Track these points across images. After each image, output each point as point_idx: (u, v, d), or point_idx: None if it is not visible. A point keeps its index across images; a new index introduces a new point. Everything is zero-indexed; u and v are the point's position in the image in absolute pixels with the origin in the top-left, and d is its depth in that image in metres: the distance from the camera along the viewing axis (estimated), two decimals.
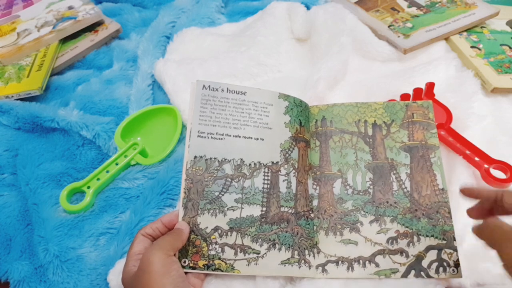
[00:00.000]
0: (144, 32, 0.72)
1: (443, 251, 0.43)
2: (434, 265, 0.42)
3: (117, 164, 0.54)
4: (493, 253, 0.42)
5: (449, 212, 0.45)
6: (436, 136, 0.48)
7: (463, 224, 0.45)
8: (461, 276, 0.41)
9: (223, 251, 0.43)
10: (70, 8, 0.77)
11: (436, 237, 0.44)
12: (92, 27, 0.75)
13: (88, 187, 0.52)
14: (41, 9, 0.78)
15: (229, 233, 0.43)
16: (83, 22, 0.73)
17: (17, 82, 0.65)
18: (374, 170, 0.48)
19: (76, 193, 0.53)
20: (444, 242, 0.43)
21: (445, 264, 0.42)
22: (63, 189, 0.51)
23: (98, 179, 0.52)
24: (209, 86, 0.49)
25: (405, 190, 0.47)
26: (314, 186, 0.48)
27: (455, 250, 0.43)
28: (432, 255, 0.43)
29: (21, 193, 0.53)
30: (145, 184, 0.53)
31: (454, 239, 0.43)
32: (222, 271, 0.42)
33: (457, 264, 0.42)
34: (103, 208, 0.51)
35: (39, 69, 0.66)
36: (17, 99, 0.63)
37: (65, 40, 0.73)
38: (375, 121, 0.51)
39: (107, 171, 0.53)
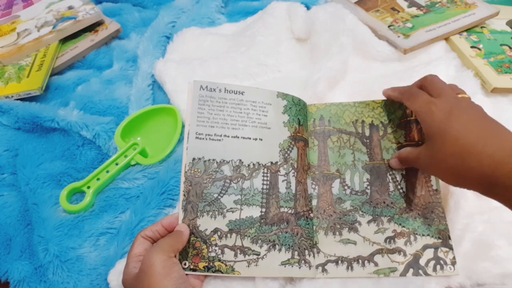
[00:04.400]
0: (144, 32, 0.72)
1: (439, 250, 0.44)
2: (432, 263, 0.43)
3: (117, 164, 0.54)
4: (493, 253, 0.43)
5: (443, 212, 0.45)
6: None
7: (463, 224, 0.45)
8: (458, 274, 0.42)
9: (223, 252, 0.43)
10: (70, 8, 0.77)
11: (432, 236, 0.44)
12: (92, 27, 0.75)
13: (88, 187, 0.52)
14: (41, 9, 0.78)
15: (228, 235, 0.43)
16: (83, 22, 0.73)
17: (17, 82, 0.65)
18: (371, 171, 0.49)
19: (76, 193, 0.53)
20: (439, 241, 0.44)
21: (442, 262, 0.43)
22: (63, 189, 0.51)
23: (98, 179, 0.53)
24: (206, 87, 0.49)
25: (401, 191, 0.47)
26: (313, 186, 0.48)
27: (451, 248, 0.44)
28: (429, 253, 0.44)
29: (21, 193, 0.53)
30: (145, 184, 0.53)
31: (449, 238, 0.44)
32: (222, 272, 0.42)
33: (453, 262, 0.43)
34: (103, 208, 0.51)
35: (39, 69, 0.66)
36: (17, 99, 0.63)
37: (65, 40, 0.73)
38: (372, 121, 0.51)
39: (107, 171, 0.53)
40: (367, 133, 0.51)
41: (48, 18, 0.75)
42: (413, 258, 0.44)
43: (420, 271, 0.43)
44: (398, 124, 0.50)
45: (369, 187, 0.48)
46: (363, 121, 0.51)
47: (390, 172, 0.48)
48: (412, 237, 0.45)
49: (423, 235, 0.45)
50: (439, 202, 0.46)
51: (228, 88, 0.49)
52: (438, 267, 0.43)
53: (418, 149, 0.43)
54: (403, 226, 0.45)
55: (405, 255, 0.44)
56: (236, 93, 0.49)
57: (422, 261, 0.43)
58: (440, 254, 0.43)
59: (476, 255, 0.43)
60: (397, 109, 0.51)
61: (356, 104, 0.52)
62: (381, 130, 0.50)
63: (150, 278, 0.36)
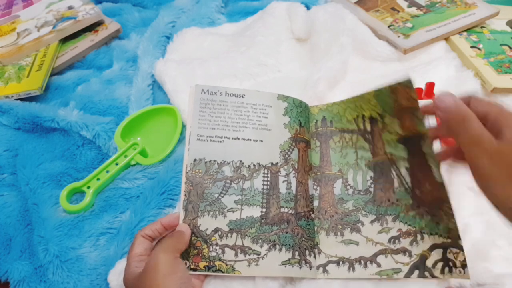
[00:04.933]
0: (144, 32, 0.72)
1: (448, 250, 0.41)
2: (439, 264, 0.41)
3: (117, 164, 0.54)
4: (493, 253, 0.43)
5: (451, 209, 0.41)
6: (422, 119, 0.43)
7: (463, 224, 0.44)
8: (468, 278, 0.40)
9: (223, 252, 0.43)
10: (70, 8, 0.77)
11: (441, 235, 0.42)
12: (92, 27, 0.75)
13: (88, 187, 0.52)
14: (41, 9, 0.78)
15: (229, 235, 0.43)
16: (83, 22, 0.73)
17: (17, 82, 0.65)
18: (374, 168, 0.48)
19: (76, 193, 0.53)
20: (449, 240, 0.41)
21: (451, 264, 0.40)
22: (63, 189, 0.51)
23: (98, 179, 0.52)
24: (207, 90, 0.49)
25: (406, 186, 0.45)
26: (315, 187, 0.48)
27: (461, 249, 0.40)
28: (437, 254, 0.41)
29: (21, 193, 0.53)
30: (145, 184, 0.53)
31: (459, 238, 0.41)
32: (222, 272, 0.42)
33: (464, 265, 0.40)
34: (103, 208, 0.51)
35: (39, 69, 0.66)
36: (17, 99, 0.63)
37: (65, 40, 0.73)
38: (371, 114, 0.50)
39: (107, 171, 0.53)
40: (368, 128, 0.50)
41: (48, 18, 0.75)
42: (419, 259, 0.42)
43: (427, 273, 0.41)
44: (393, 114, 0.47)
45: (372, 186, 0.47)
46: (363, 116, 0.50)
47: (394, 167, 0.46)
48: (419, 236, 0.43)
49: (431, 234, 0.42)
50: (447, 197, 0.41)
51: (228, 91, 0.50)
52: (446, 269, 0.40)
53: (488, 132, 0.33)
54: (409, 225, 0.43)
55: (410, 255, 0.42)
56: (237, 96, 0.50)
57: (429, 263, 0.41)
58: (450, 256, 0.41)
59: (476, 255, 0.43)
60: (387, 97, 0.47)
61: (355, 99, 0.51)
62: (380, 123, 0.49)
63: (155, 277, 0.36)
